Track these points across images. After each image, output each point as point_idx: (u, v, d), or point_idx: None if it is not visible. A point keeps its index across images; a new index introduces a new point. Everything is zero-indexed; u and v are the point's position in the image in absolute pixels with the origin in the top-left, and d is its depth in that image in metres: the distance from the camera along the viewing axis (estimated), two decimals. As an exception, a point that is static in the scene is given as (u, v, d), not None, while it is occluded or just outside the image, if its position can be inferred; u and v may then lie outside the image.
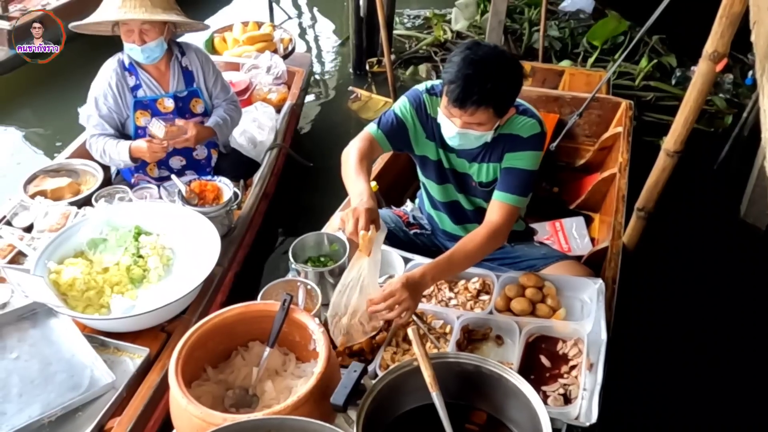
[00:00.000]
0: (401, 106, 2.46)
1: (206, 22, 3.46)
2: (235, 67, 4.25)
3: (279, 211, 4.00)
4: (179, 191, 2.84)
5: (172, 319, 2.47)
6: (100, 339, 2.32)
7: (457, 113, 2.18)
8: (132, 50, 2.96)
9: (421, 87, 2.48)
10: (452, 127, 2.24)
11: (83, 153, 3.32)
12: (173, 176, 2.98)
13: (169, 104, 3.10)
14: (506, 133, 2.36)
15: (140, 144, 2.98)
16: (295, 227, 3.82)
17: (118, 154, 3.02)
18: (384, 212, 2.81)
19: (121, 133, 3.11)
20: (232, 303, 2.71)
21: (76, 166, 3.27)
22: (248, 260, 3.12)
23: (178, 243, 2.66)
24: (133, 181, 3.21)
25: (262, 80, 4.17)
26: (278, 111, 3.92)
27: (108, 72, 3.02)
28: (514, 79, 2.21)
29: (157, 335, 2.42)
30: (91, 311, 2.39)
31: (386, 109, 2.54)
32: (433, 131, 2.46)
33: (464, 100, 2.12)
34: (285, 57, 4.51)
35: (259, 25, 4.81)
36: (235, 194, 2.91)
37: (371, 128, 2.45)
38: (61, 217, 2.84)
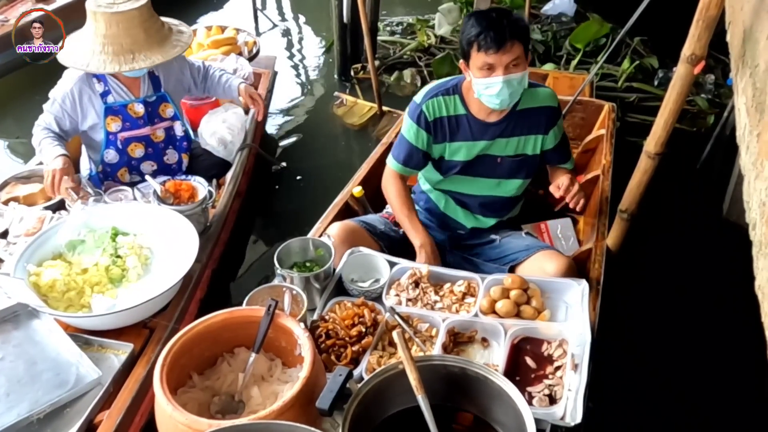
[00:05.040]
0: (407, 129, 2.63)
1: (192, 28, 3.45)
2: None
3: (263, 214, 4.02)
4: (154, 191, 2.85)
5: (154, 316, 2.48)
6: (83, 337, 2.33)
7: (496, 58, 2.34)
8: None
9: (418, 99, 2.61)
10: (496, 80, 2.37)
11: None
12: (147, 177, 2.99)
13: (140, 109, 3.10)
14: (537, 107, 2.60)
15: (52, 166, 2.87)
16: (279, 230, 3.83)
17: (47, 154, 2.94)
18: (374, 217, 2.87)
19: (64, 138, 3.07)
20: (211, 299, 2.75)
21: None
22: (223, 257, 3.14)
23: (156, 242, 2.67)
24: (103, 189, 3.20)
25: (228, 82, 4.17)
26: (246, 112, 3.94)
27: (72, 78, 3.00)
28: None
29: (140, 332, 2.43)
30: (72, 311, 2.40)
31: (396, 132, 2.91)
32: (445, 133, 2.60)
33: (500, 40, 2.31)
34: (250, 59, 4.53)
35: (223, 29, 4.81)
36: (210, 193, 2.93)
37: (392, 164, 2.71)
38: (36, 222, 2.84)
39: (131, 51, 2.90)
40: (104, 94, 3.03)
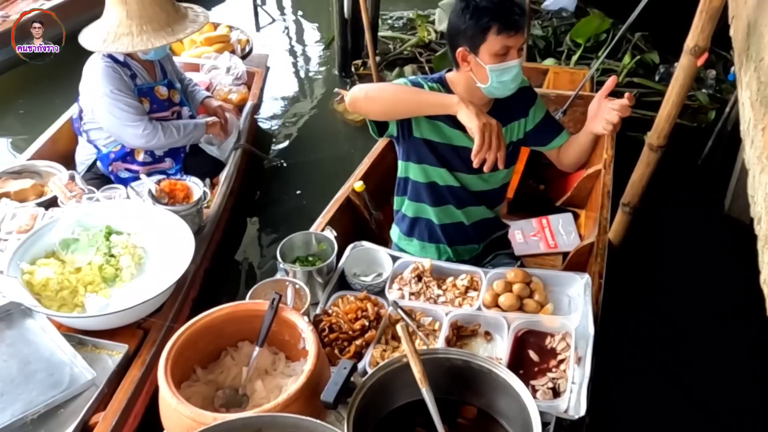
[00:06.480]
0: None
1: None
2: (195, 67, 4.26)
3: (264, 210, 4.02)
4: (149, 190, 2.84)
5: (149, 316, 2.47)
6: (77, 337, 2.32)
7: (515, 40, 2.18)
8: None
9: (411, 79, 2.39)
10: (514, 63, 2.21)
11: (46, 154, 3.32)
12: (143, 176, 2.99)
13: (164, 91, 3.19)
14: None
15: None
16: (282, 225, 3.84)
17: (195, 129, 3.20)
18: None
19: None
20: (204, 299, 2.75)
21: (39, 168, 3.23)
22: (216, 256, 3.16)
23: (150, 242, 2.66)
24: (110, 169, 3.19)
25: (222, 81, 4.18)
26: (240, 111, 3.95)
27: (101, 65, 3.00)
28: None
29: (135, 332, 2.43)
30: (65, 311, 2.39)
31: None
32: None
33: (519, 21, 2.16)
34: (243, 57, 4.53)
35: (216, 26, 4.82)
36: (204, 193, 2.93)
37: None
38: (29, 219, 2.81)
39: (168, 25, 2.99)
40: (132, 77, 3.07)
